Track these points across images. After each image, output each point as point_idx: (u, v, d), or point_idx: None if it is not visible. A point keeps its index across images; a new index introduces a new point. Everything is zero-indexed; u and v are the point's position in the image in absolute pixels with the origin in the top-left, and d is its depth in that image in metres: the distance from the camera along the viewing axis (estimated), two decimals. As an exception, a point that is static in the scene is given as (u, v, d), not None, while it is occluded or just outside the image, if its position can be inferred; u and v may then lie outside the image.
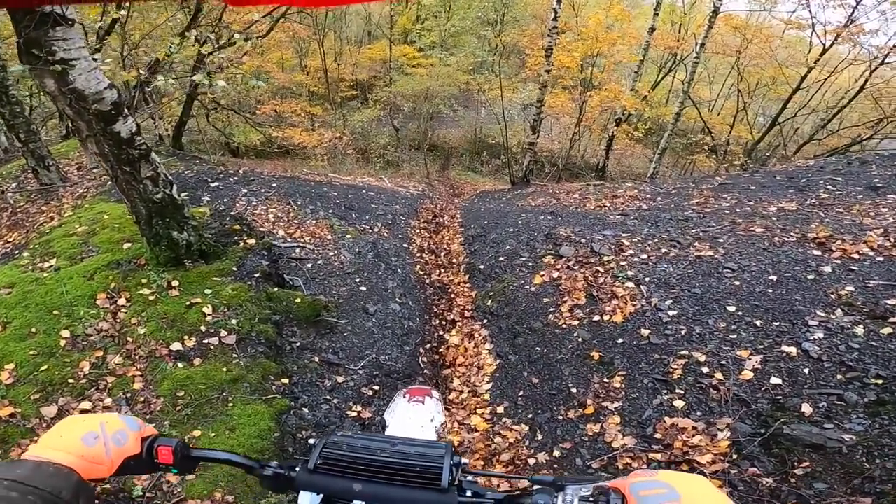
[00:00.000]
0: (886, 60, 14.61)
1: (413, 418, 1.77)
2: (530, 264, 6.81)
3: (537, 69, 16.07)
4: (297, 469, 1.08)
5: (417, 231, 9.65)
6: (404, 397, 1.94)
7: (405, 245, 8.53)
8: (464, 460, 1.11)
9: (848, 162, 9.41)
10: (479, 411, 4.90)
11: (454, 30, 29.06)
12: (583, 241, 6.80)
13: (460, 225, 10.36)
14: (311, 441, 1.17)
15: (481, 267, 7.55)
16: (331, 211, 8.41)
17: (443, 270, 8.24)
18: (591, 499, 0.88)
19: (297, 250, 6.16)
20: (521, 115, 27.46)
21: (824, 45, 15.68)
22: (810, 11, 15.58)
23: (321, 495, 1.13)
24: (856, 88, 15.44)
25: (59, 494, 0.81)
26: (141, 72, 8.91)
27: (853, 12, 14.50)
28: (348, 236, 7.55)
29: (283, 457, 4.00)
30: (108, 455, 0.94)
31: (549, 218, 8.56)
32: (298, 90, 27.88)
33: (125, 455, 0.99)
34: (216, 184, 8.51)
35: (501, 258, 7.42)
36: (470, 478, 1.10)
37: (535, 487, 0.98)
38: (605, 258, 6.07)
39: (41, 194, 8.43)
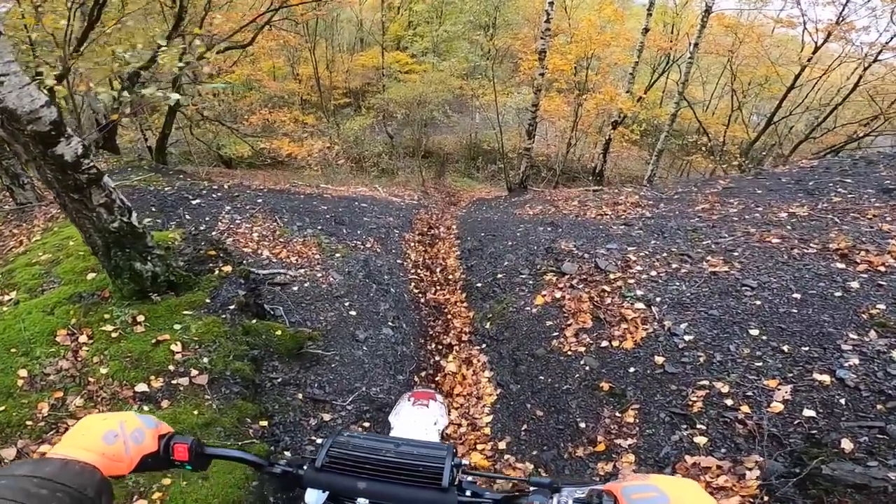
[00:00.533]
0: (880, 57, 14.20)
1: (417, 421, 1.76)
2: (531, 282, 6.34)
3: (531, 73, 15.63)
4: (305, 467, 1.09)
5: (412, 245, 9.18)
6: (409, 400, 1.90)
7: (399, 261, 8.07)
8: (464, 461, 1.15)
9: (853, 162, 8.98)
10: (479, 447, 4.43)
11: (446, 35, 28.63)
12: (586, 255, 6.34)
13: (456, 237, 9.91)
14: (319, 441, 1.39)
15: (479, 285, 7.09)
16: (320, 227, 7.95)
17: (438, 288, 7.78)
18: (585, 500, 0.88)
19: (280, 275, 5.68)
20: (515, 120, 27.03)
21: (816, 42, 15.33)
22: (801, 9, 15.22)
23: (327, 493, 1.14)
24: (849, 86, 15.04)
25: (84, 491, 0.83)
26: (122, 83, 8.41)
27: (843, 10, 14.11)
28: (338, 255, 7.07)
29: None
30: (128, 453, 0.96)
31: (549, 229, 8.11)
32: (291, 99, 27.44)
33: (143, 452, 1.00)
34: (198, 201, 8.04)
35: (500, 275, 6.95)
36: (470, 478, 1.11)
37: (532, 489, 0.99)
38: (611, 275, 5.61)
39: (17, 214, 7.96)
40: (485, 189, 20.08)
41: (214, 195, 8.57)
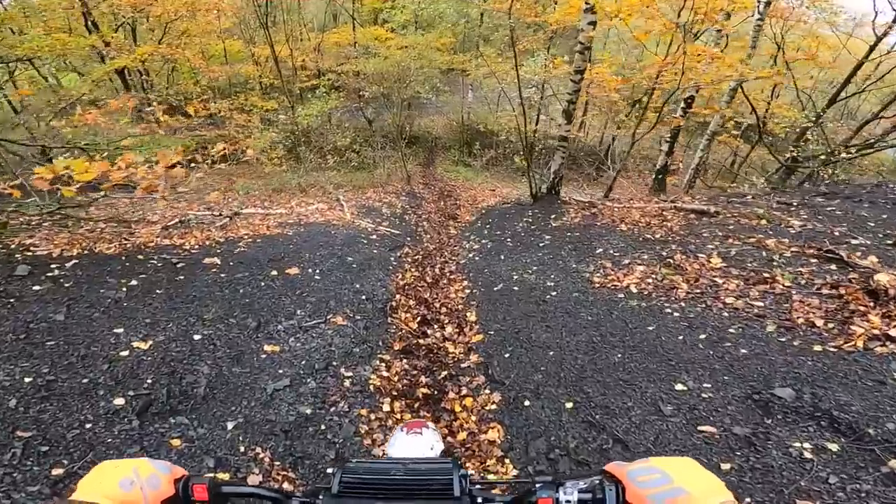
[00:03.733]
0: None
1: (414, 448, 1.62)
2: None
3: (567, 21, 10.56)
4: (321, 496, 1.01)
5: (386, 358, 4.32)
6: (402, 430, 1.72)
7: (355, 430, 3.24)
8: (470, 472, 1.22)
9: None
10: None
11: (429, 3, 23.40)
12: None
13: (476, 323, 5.06)
14: (329, 470, 1.29)
15: None
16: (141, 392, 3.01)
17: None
18: (589, 489, 0.87)
19: None
20: (515, 98, 22.04)
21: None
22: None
23: None
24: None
25: None
26: None
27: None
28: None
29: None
30: (146, 499, 0.90)
31: (705, 340, 3.24)
32: (251, 84, 22.19)
33: (161, 498, 0.93)
34: None
35: None
36: (478, 486, 1.05)
37: (538, 485, 0.94)
38: None
39: None
40: (488, 186, 15.02)
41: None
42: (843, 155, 11.33)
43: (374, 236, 7.72)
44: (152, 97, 15.91)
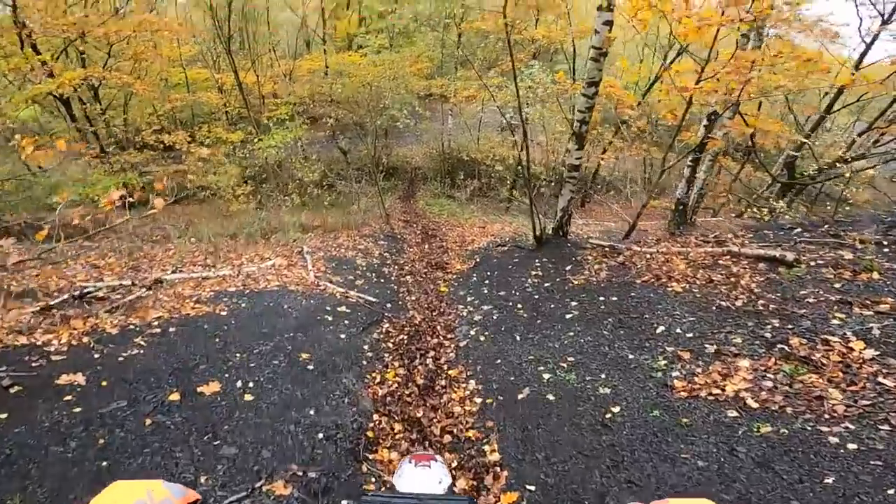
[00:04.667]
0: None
1: (422, 480, 1.51)
2: None
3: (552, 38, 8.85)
4: None
5: None
6: (410, 462, 1.61)
7: None
8: None
9: None
10: None
11: (403, 28, 21.80)
12: None
13: (502, 469, 3.10)
14: (344, 503, 1.18)
15: None
16: None
17: None
18: None
19: None
20: (494, 121, 20.49)
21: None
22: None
23: None
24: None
25: None
26: None
27: None
28: None
29: None
30: None
31: None
32: (217, 114, 20.22)
33: None
34: None
35: None
36: None
37: None
38: None
39: None
40: (476, 221, 13.10)
41: None
42: (846, 168, 9.90)
43: (344, 307, 5.73)
44: (95, 129, 13.88)
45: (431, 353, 4.98)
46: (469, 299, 6.39)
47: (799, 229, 6.54)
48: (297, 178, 12.35)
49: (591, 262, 6.42)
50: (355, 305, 5.89)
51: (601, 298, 5.23)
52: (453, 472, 3.28)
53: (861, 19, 10.18)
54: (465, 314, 5.92)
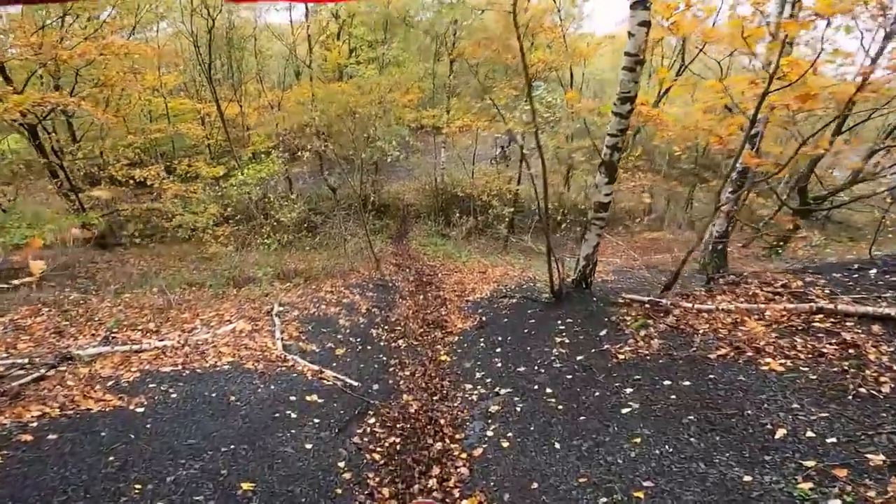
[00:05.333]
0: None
1: None
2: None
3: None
4: None
5: None
6: None
7: None
8: None
9: None
10: None
11: (394, 55, 20.76)
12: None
13: None
14: None
15: None
16: None
17: None
18: None
19: None
20: (489, 156, 19.36)
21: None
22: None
23: None
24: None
25: None
26: None
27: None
28: None
29: None
30: None
31: None
32: (200, 147, 18.86)
33: None
34: None
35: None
36: None
37: None
38: None
39: None
40: (475, 265, 11.67)
41: None
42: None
43: (316, 396, 4.24)
44: (62, 161, 12.44)
45: (436, 470, 3.48)
46: (478, 375, 4.92)
47: (874, 269, 5.19)
48: (274, 219, 10.91)
49: (632, 325, 4.99)
50: (331, 391, 4.40)
51: (666, 383, 3.79)
52: None
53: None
54: (475, 399, 4.45)
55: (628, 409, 3.63)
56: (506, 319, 6.33)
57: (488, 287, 8.93)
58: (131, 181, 12.52)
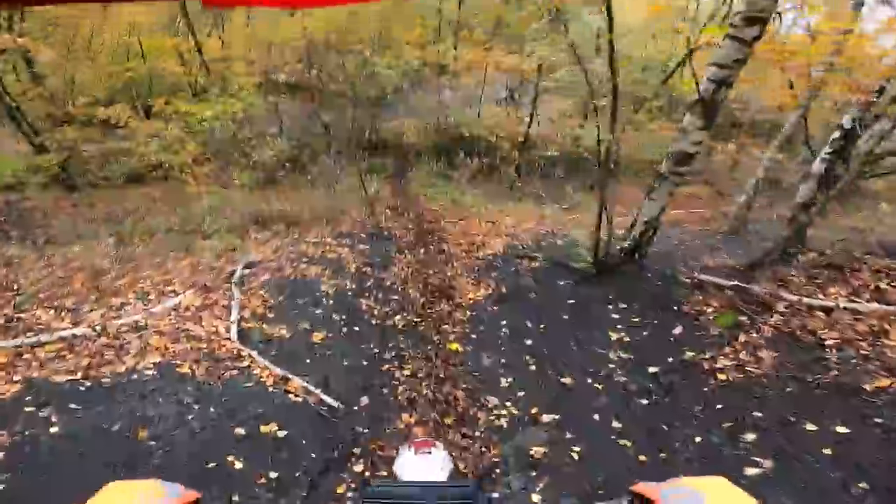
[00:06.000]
0: None
1: (424, 468, 1.40)
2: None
3: None
4: None
5: None
6: (410, 450, 1.49)
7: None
8: (494, 494, 0.99)
9: None
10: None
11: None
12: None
13: None
14: (350, 496, 1.20)
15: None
16: None
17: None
18: None
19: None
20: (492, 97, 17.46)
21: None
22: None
23: None
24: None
25: None
26: None
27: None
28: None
29: None
30: None
31: None
32: (181, 85, 16.81)
33: None
34: None
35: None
36: None
37: None
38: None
39: None
40: (483, 211, 10.15)
41: None
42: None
43: (276, 425, 2.85)
44: (18, 104, 10.75)
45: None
46: (505, 382, 3.54)
47: None
48: (250, 158, 9.30)
49: (720, 322, 3.59)
50: (300, 416, 3.01)
51: (810, 427, 2.43)
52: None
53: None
54: (504, 426, 3.08)
55: (757, 471, 2.28)
56: (533, 294, 4.90)
57: (500, 241, 7.50)
58: (94, 120, 10.83)
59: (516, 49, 14.59)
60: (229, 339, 3.73)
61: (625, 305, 4.08)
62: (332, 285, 5.23)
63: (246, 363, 3.50)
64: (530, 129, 14.68)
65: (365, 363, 3.85)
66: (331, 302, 4.81)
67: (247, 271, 5.04)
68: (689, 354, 3.24)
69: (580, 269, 5.00)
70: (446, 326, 4.67)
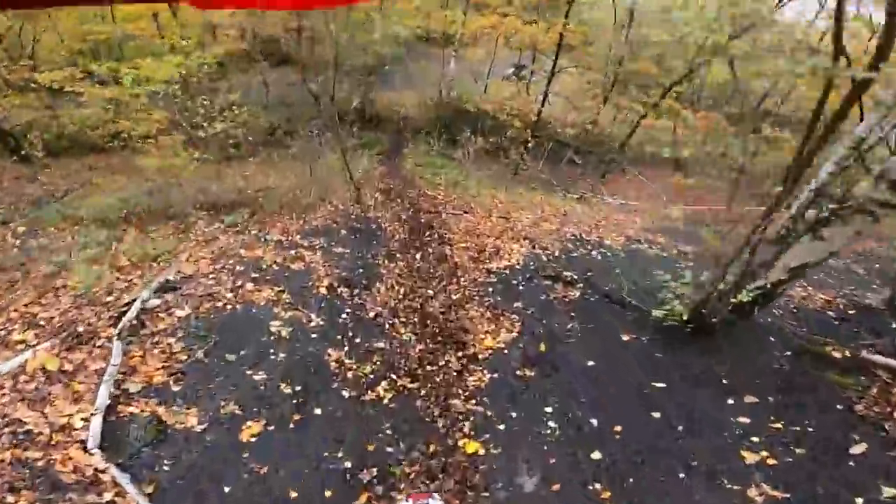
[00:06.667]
0: None
1: None
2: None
3: None
4: None
5: None
6: (408, 502, 1.50)
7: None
8: None
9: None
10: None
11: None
12: None
13: None
14: None
15: None
16: None
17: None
18: None
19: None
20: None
21: None
22: None
23: None
24: None
25: None
26: None
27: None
28: None
29: None
30: None
31: None
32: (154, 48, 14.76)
33: None
34: None
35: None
36: None
37: None
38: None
39: None
40: (492, 202, 8.44)
41: None
42: None
43: None
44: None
45: None
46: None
47: None
48: (200, 129, 7.49)
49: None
50: None
51: None
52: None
53: None
54: None
55: None
56: (583, 350, 3.25)
57: (518, 247, 5.86)
58: (34, 85, 8.89)
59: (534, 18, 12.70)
60: (83, 444, 2.08)
61: (754, 398, 2.46)
62: (289, 322, 3.55)
63: (105, 500, 1.87)
64: (543, 107, 12.91)
65: (327, 493, 2.20)
66: (281, 355, 3.14)
67: (157, 301, 3.33)
68: (892, 494, 1.65)
69: (662, 319, 3.31)
70: (455, 403, 3.00)
